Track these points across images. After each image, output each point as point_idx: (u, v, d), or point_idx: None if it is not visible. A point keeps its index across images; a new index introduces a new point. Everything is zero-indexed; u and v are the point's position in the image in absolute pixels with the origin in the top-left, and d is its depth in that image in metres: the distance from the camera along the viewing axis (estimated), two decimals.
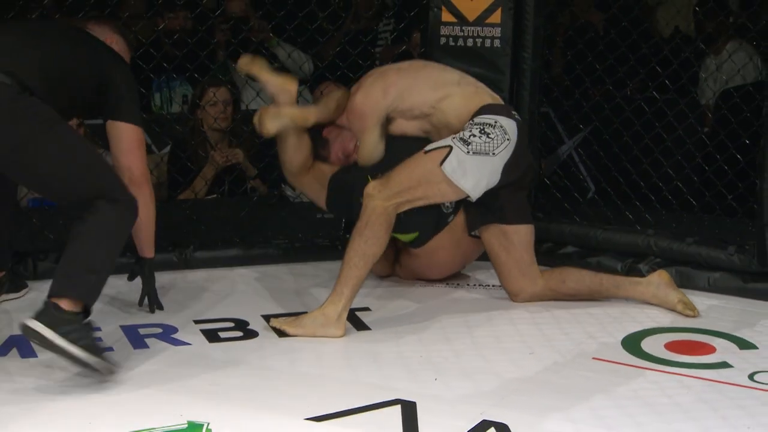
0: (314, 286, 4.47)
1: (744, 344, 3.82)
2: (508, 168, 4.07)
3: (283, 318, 3.89)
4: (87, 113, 3.93)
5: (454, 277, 4.58)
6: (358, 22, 6.42)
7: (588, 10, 6.14)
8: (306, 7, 5.00)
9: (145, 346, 3.70)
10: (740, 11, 6.23)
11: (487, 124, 4.06)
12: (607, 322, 4.04)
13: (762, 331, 3.98)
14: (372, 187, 3.95)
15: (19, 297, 4.14)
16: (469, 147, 3.99)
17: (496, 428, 3.06)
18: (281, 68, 5.88)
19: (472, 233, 4.27)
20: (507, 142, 4.04)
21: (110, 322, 3.90)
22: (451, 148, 3.99)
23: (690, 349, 3.76)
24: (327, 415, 3.14)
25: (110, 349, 3.60)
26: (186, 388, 3.33)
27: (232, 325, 3.97)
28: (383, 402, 3.23)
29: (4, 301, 4.08)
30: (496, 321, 4.06)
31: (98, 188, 3.38)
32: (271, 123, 4.16)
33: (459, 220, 4.28)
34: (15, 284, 4.17)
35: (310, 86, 5.76)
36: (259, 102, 5.39)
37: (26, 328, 3.23)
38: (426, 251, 4.34)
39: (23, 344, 3.63)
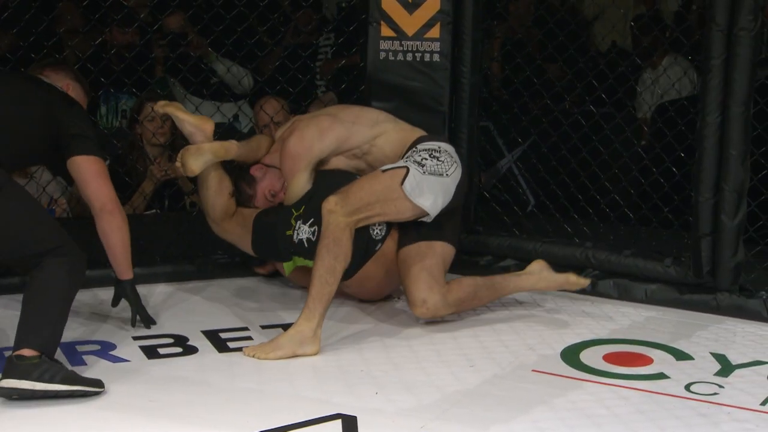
0: (255, 301, 4.46)
1: (680, 355, 3.87)
2: (459, 189, 4.17)
3: (255, 345, 3.83)
4: (46, 161, 3.93)
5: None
6: (298, 37, 6.41)
7: (526, 24, 6.18)
8: (245, 22, 4.98)
9: (83, 363, 3.66)
10: (675, 26, 6.30)
11: (432, 149, 4.16)
12: (547, 334, 4.06)
13: (698, 342, 4.03)
14: (333, 203, 3.92)
15: None
16: (424, 168, 4.06)
17: None
18: (220, 83, 5.88)
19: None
20: (456, 164, 4.16)
21: None
22: (408, 169, 4.04)
23: (628, 361, 3.80)
24: (268, 430, 3.12)
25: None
26: (124, 405, 3.31)
27: (171, 341, 3.94)
28: (324, 417, 3.23)
29: None
30: (436, 334, 4.07)
31: (43, 247, 3.40)
32: (194, 161, 4.19)
33: (387, 249, 4.28)
34: None
35: (250, 101, 5.75)
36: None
37: (2, 390, 3.25)
38: (355, 281, 4.29)
39: None
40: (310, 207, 4.18)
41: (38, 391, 3.24)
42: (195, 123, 4.29)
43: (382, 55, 4.79)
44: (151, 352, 3.81)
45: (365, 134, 4.29)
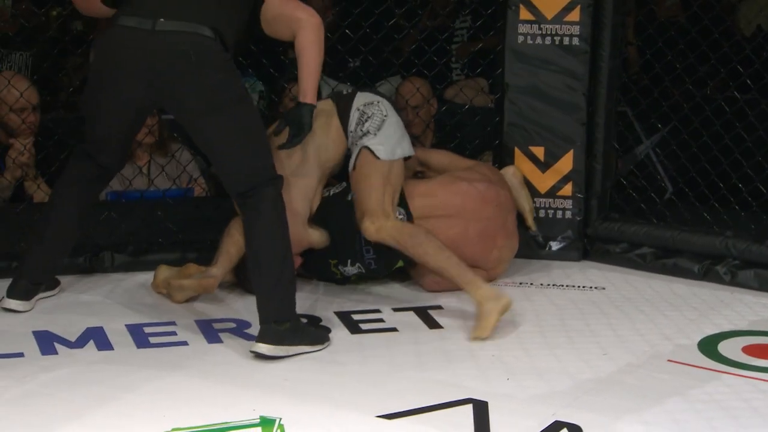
0: (385, 285, 4.41)
1: None
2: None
3: (472, 334, 3.79)
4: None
5: (524, 276, 4.57)
6: (435, 19, 6.41)
7: (670, 8, 6.04)
8: (383, 4, 5.00)
9: (219, 340, 3.73)
10: None
11: (359, 117, 4.15)
12: (683, 324, 3.98)
13: None
14: (370, 226, 4.01)
15: (54, 295, 4.09)
16: (370, 128, 4.11)
17: (568, 429, 3.06)
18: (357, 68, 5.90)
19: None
20: (378, 101, 4.18)
21: (185, 317, 3.95)
22: (366, 147, 4.09)
23: None
24: (398, 412, 3.14)
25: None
26: (259, 382, 3.36)
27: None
28: (455, 401, 3.23)
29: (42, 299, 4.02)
30: (569, 321, 4.03)
31: (261, 175, 3.55)
32: (178, 294, 4.09)
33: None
34: (51, 282, 4.10)
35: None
36: None
37: (257, 354, 3.49)
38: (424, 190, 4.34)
39: (99, 337, 3.69)
40: (338, 249, 4.24)
41: (290, 356, 3.52)
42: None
43: (521, 38, 4.75)
44: None
45: (312, 174, 4.16)
